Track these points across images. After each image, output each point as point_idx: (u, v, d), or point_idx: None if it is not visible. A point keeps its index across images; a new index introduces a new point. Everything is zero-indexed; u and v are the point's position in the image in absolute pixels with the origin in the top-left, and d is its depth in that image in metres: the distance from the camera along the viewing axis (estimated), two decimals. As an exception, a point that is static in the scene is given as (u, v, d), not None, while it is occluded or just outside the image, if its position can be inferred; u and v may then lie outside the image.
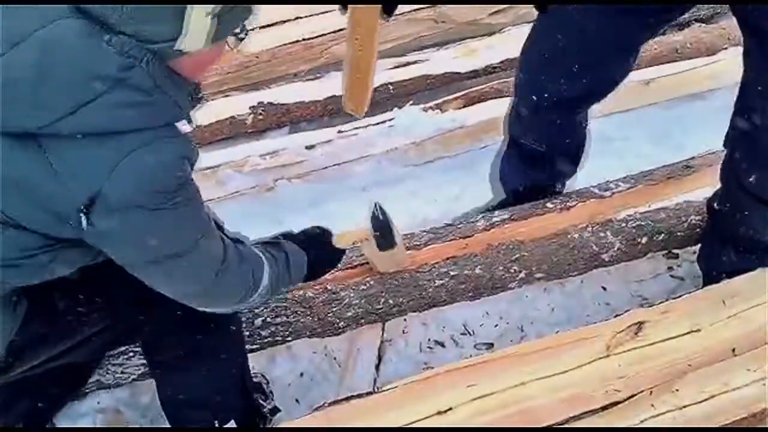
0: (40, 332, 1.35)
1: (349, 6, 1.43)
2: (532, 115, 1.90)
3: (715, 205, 1.94)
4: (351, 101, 1.58)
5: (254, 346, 1.81)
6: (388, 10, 1.45)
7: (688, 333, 1.64)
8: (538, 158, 2.03)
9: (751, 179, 1.76)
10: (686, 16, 1.68)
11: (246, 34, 1.20)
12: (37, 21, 1.06)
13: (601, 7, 1.63)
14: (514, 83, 1.97)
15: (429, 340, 1.97)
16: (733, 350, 1.60)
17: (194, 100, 1.23)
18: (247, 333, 1.77)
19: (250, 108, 2.64)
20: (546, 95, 1.83)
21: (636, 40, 1.76)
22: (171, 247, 1.21)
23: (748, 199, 1.80)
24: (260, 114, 2.65)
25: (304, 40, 2.95)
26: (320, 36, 2.97)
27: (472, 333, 1.98)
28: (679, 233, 2.03)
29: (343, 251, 1.71)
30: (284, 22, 3.06)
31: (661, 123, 2.68)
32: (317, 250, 1.64)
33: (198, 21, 1.08)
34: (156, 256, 1.20)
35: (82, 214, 1.11)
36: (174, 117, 1.17)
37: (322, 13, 3.20)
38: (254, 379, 1.78)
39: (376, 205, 1.68)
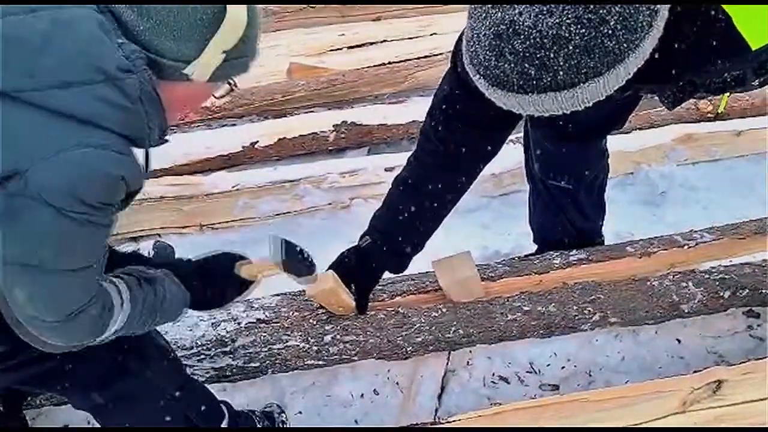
0: None
1: (307, 294, 1.74)
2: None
3: None
4: (339, 312, 1.82)
5: (320, 362, 1.82)
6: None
7: (771, 397, 1.57)
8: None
9: None
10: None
11: (233, 88, 1.25)
12: (59, 5, 1.09)
13: None
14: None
15: (493, 374, 1.94)
16: (817, 421, 1.53)
17: (160, 137, 1.20)
18: (315, 348, 1.78)
19: (333, 126, 2.68)
20: None
21: None
22: (55, 259, 1.12)
23: None
24: (342, 132, 2.68)
25: (390, 63, 2.99)
26: (405, 61, 3.02)
27: (538, 372, 1.94)
28: (763, 291, 1.95)
29: (249, 281, 1.57)
30: (372, 44, 3.11)
31: (747, 176, 2.61)
32: (214, 280, 1.53)
33: (214, 53, 1.12)
34: (35, 260, 1.11)
35: None
36: (139, 134, 1.14)
37: (409, 38, 3.26)
38: (267, 409, 1.80)
39: (270, 237, 1.53)
